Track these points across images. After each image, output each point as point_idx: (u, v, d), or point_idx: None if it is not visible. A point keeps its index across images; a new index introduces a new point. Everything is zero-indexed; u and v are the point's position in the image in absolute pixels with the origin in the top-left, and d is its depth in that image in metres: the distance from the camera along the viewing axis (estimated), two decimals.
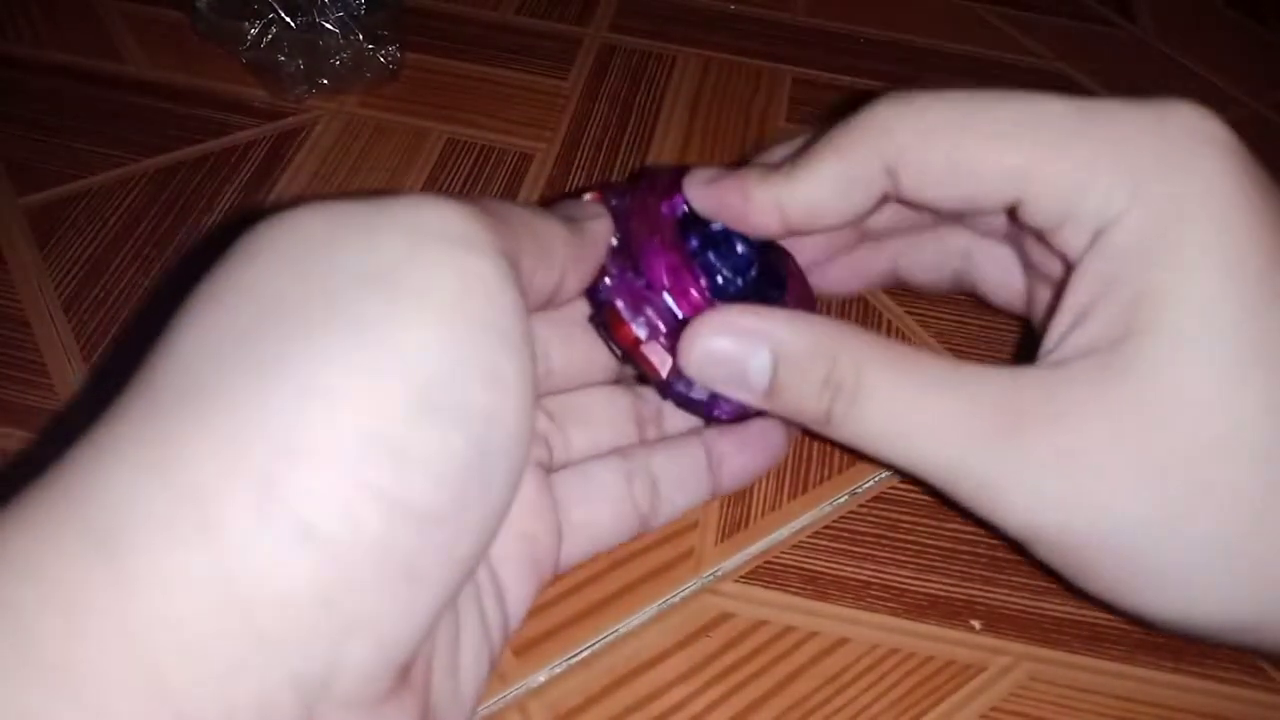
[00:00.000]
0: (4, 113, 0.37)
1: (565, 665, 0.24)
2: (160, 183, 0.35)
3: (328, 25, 0.38)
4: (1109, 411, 0.18)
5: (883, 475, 0.29)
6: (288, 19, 0.38)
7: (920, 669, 0.25)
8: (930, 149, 0.20)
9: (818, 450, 0.29)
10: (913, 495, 0.29)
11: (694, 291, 0.22)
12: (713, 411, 0.24)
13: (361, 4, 0.38)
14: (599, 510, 0.23)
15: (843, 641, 0.25)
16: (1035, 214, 0.20)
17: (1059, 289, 0.21)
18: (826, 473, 0.29)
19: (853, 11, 0.48)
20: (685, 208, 0.24)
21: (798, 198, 0.22)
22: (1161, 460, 0.18)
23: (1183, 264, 0.18)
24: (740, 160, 0.38)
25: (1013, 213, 0.21)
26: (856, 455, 0.29)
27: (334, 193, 0.36)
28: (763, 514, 0.28)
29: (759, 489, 0.28)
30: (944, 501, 0.28)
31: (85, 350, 0.30)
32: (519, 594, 0.21)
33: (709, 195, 0.23)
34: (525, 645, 0.24)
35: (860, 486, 0.29)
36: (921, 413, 0.20)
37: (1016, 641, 0.26)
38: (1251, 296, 0.18)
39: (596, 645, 0.25)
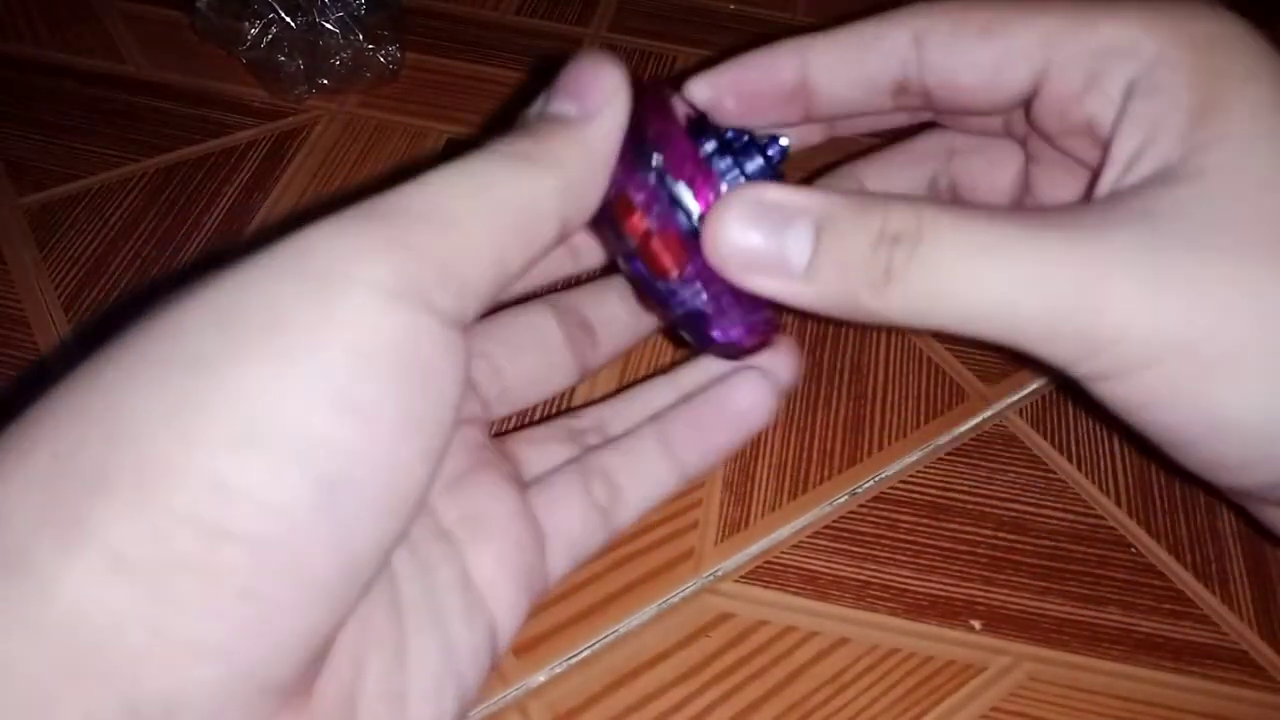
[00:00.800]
0: (4, 113, 0.37)
1: (565, 665, 0.24)
2: (160, 183, 0.36)
3: (328, 25, 0.38)
4: (1184, 203, 0.17)
5: (883, 475, 0.29)
6: (288, 19, 0.38)
7: (920, 669, 0.25)
8: (964, 19, 0.21)
9: (818, 450, 0.29)
10: (913, 495, 0.29)
11: (713, 194, 0.20)
12: (711, 331, 0.21)
13: (361, 4, 0.38)
14: (568, 515, 0.23)
15: (843, 641, 0.25)
16: (1065, 78, 0.20)
17: (1095, 172, 0.20)
18: (826, 473, 0.29)
19: (852, 12, 0.48)
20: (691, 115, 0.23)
21: (823, 56, 0.23)
22: (1254, 234, 0.17)
23: (1231, 79, 0.18)
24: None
25: (1028, 106, 0.21)
26: (856, 455, 0.29)
27: (334, 193, 0.36)
28: (763, 514, 0.28)
29: (759, 489, 0.28)
30: (943, 502, 0.28)
31: (85, 351, 0.30)
32: (510, 604, 0.20)
33: (723, 80, 0.23)
34: (525, 645, 0.24)
35: (860, 486, 0.29)
36: (1003, 253, 0.17)
37: (1016, 641, 0.26)
38: None
39: (596, 645, 0.25)
